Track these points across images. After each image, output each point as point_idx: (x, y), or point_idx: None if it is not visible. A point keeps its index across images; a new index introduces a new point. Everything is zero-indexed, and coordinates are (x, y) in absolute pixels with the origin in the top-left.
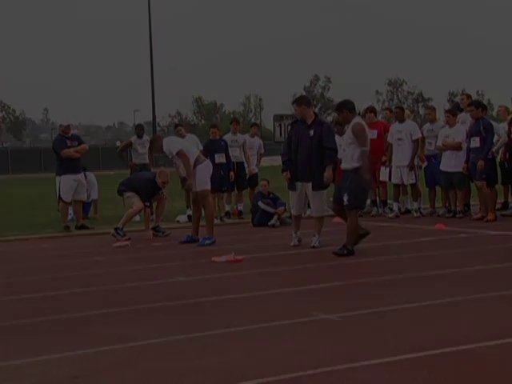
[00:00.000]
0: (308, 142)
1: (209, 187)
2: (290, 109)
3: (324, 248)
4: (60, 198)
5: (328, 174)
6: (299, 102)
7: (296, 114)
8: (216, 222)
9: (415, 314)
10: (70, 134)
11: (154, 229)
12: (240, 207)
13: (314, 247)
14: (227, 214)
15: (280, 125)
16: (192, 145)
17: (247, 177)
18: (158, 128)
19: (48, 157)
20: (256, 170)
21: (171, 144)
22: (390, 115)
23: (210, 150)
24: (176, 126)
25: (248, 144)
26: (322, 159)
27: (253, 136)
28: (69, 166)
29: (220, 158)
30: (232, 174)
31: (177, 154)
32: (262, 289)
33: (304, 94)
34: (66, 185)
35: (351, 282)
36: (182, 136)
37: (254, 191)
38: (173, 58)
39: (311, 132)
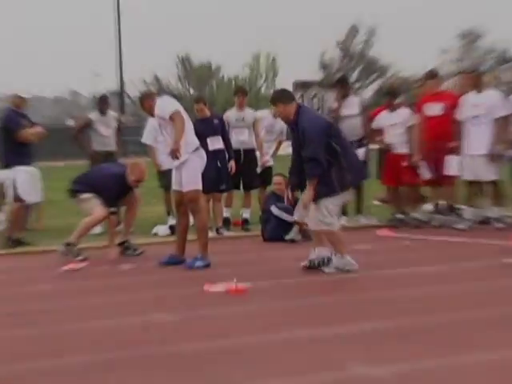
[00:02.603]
0: (295, 145)
1: (200, 187)
2: (318, 73)
3: (363, 273)
4: (16, 198)
5: (306, 196)
6: (272, 100)
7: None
8: (211, 234)
9: (489, 367)
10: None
11: (121, 245)
12: (246, 214)
13: (307, 267)
14: (226, 222)
15: (302, 96)
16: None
17: (258, 171)
18: (127, 101)
19: None
20: (271, 162)
21: (166, 104)
22: (463, 82)
23: (198, 133)
24: (144, 96)
25: (267, 126)
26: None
27: (276, 116)
28: (24, 154)
29: (215, 143)
30: (233, 164)
31: (171, 117)
32: (272, 332)
33: (321, 62)
34: (24, 180)
35: (392, 324)
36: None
37: (265, 191)
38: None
39: (295, 133)
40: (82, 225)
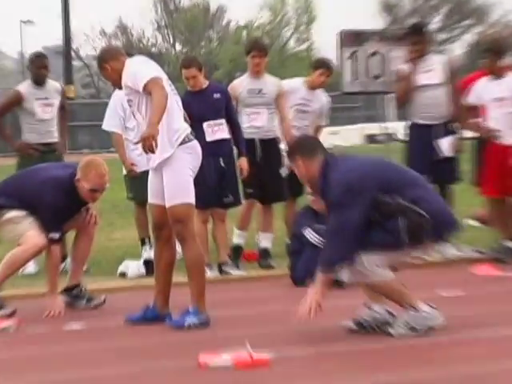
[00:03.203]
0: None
1: (191, 199)
2: (379, 18)
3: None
4: None
5: (310, 295)
6: (289, 153)
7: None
8: (210, 274)
9: None
10: None
11: (69, 292)
12: (265, 242)
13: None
14: (236, 254)
15: (355, 55)
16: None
17: (284, 173)
18: (76, 63)
19: None
20: None
21: (139, 68)
22: None
23: (190, 115)
24: (104, 56)
25: (299, 104)
26: None
27: (313, 87)
28: None
29: (215, 131)
30: (244, 163)
31: (146, 87)
32: None
33: (384, 1)
34: None
35: None
36: None
37: (295, 206)
38: None
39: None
40: (7, 261)
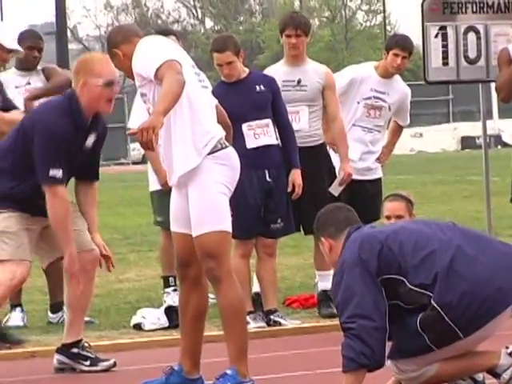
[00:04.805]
0: None
1: (226, 227)
2: None
3: None
4: None
5: None
6: (317, 229)
7: None
8: (254, 326)
9: None
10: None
11: (65, 349)
12: (323, 282)
13: None
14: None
15: (443, 32)
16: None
17: (336, 191)
18: (72, 46)
19: None
20: (376, 174)
21: (153, 51)
22: None
23: (227, 111)
24: (115, 36)
25: (368, 98)
26: None
27: (387, 73)
28: None
29: (259, 135)
30: (297, 177)
31: (158, 72)
32: None
33: None
34: None
35: None
36: None
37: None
38: None
39: None
40: None
